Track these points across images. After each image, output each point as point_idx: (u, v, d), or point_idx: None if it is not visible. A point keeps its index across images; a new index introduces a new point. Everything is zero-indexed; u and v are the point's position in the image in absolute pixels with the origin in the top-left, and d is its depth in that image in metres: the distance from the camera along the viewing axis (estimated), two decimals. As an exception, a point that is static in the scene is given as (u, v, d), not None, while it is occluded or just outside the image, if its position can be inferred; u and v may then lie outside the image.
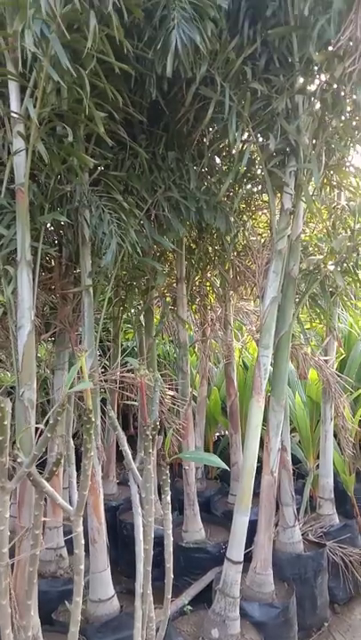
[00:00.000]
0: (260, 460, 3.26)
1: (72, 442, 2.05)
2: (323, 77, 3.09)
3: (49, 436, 1.69)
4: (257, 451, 3.07)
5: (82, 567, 1.91)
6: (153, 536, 2.20)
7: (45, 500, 1.89)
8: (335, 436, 4.42)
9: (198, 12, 2.55)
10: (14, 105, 2.60)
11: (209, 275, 4.84)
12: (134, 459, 4.88)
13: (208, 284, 4.88)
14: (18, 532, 2.60)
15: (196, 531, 4.15)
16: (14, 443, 2.42)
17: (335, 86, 3.08)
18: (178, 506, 4.58)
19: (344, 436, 4.06)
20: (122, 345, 5.63)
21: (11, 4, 2.25)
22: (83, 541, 1.93)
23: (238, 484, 3.27)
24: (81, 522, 1.91)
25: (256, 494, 3.19)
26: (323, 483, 4.37)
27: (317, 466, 4.58)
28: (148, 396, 2.55)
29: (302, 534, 3.94)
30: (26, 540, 2.40)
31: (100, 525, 3.14)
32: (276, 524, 3.79)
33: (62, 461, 3.29)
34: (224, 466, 1.95)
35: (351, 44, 2.40)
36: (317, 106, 3.10)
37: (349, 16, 2.44)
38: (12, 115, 2.54)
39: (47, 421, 1.77)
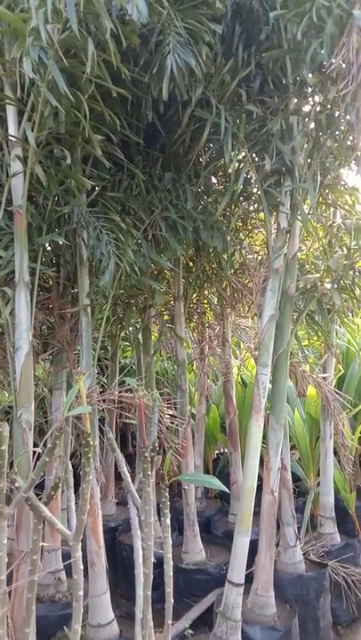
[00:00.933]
0: (259, 479, 3.23)
1: (70, 465, 2.02)
2: (317, 98, 3.14)
3: (47, 460, 1.68)
4: (257, 470, 3.05)
5: (81, 593, 1.88)
6: (153, 560, 2.18)
7: (44, 523, 1.87)
8: (335, 453, 4.39)
9: (193, 36, 2.60)
10: (12, 128, 2.63)
11: (206, 292, 4.85)
12: (133, 479, 4.85)
13: (206, 301, 4.88)
14: (16, 556, 2.57)
15: (197, 552, 4.10)
16: (12, 466, 2.41)
17: (329, 107, 3.13)
18: (177, 526, 4.53)
19: (344, 453, 4.03)
20: (120, 362, 5.62)
21: (10, 32, 2.29)
22: (81, 567, 1.91)
23: (238, 503, 3.24)
24: (80, 547, 1.89)
25: (256, 513, 3.15)
26: (323, 501, 4.33)
27: (318, 483, 4.54)
28: (147, 415, 2.54)
29: (304, 554, 3.90)
30: (24, 565, 2.37)
31: (99, 548, 3.09)
32: (277, 544, 3.75)
33: (60, 484, 3.26)
34: (224, 488, 1.93)
35: (344, 66, 2.44)
36: (312, 126, 3.15)
37: (341, 39, 2.49)
38: (10, 138, 2.57)
39: (45, 444, 1.76)
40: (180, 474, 4.09)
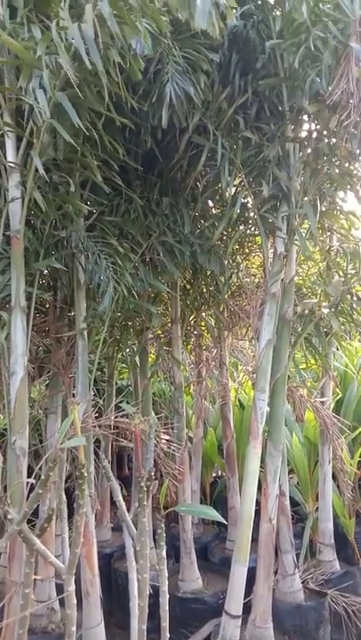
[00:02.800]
0: (257, 505, 3.18)
1: (64, 495, 1.99)
2: (313, 125, 3.18)
3: (40, 492, 1.64)
4: (255, 497, 3.00)
5: (73, 629, 1.83)
6: (148, 592, 2.12)
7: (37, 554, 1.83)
8: (334, 478, 4.34)
9: (191, 65, 2.63)
10: (10, 153, 2.64)
11: (204, 314, 4.84)
12: (129, 504, 4.77)
13: (203, 323, 4.87)
14: (7, 585, 2.51)
15: (193, 580, 4.01)
16: (5, 489, 2.36)
17: (325, 133, 3.17)
18: (174, 552, 4.44)
19: (343, 478, 3.98)
20: (117, 384, 5.57)
21: (15, 62, 2.30)
22: (75, 601, 1.86)
23: (236, 530, 3.19)
24: (73, 580, 1.84)
25: (254, 539, 3.09)
26: (322, 527, 4.26)
27: (316, 508, 4.47)
28: (144, 441, 2.51)
29: (302, 582, 3.82)
30: (16, 597, 2.30)
31: (94, 577, 3.02)
32: (275, 572, 3.67)
33: (55, 514, 3.20)
34: (221, 519, 1.89)
35: (344, 96, 2.47)
36: (308, 150, 3.18)
37: (340, 70, 2.52)
38: (9, 164, 2.58)
39: (39, 473, 1.73)
40: (176, 500, 4.03)
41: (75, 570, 1.81)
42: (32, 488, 1.94)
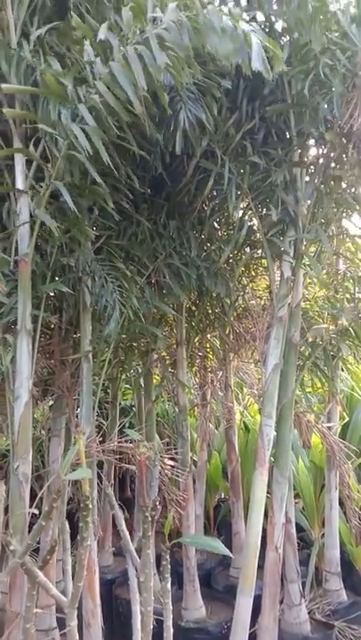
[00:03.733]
0: (263, 531, 3.11)
1: (67, 525, 1.95)
2: (320, 151, 3.19)
3: (43, 524, 1.61)
4: (261, 526, 2.94)
5: (75, 667, 1.77)
6: (152, 627, 2.06)
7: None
8: (340, 504, 4.26)
9: (202, 91, 2.66)
10: (19, 177, 2.65)
11: (209, 336, 4.82)
12: (131, 528, 4.68)
13: (208, 345, 4.84)
14: (8, 615, 2.45)
15: (197, 608, 3.92)
16: (6, 511, 2.32)
17: (332, 156, 3.18)
18: (177, 579, 4.35)
19: (350, 505, 3.91)
20: (120, 404, 5.53)
21: (44, 93, 2.33)
22: (76, 636, 1.80)
23: (241, 559, 3.12)
24: (75, 614, 1.79)
25: (260, 566, 3.02)
26: (329, 555, 4.17)
27: (322, 535, 4.39)
28: (148, 467, 2.47)
29: (309, 613, 3.72)
30: (16, 631, 2.25)
31: (95, 607, 2.96)
32: (281, 602, 3.58)
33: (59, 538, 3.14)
34: (228, 552, 1.84)
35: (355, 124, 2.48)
36: (316, 175, 3.18)
37: (348, 97, 2.53)
38: (18, 188, 2.59)
39: (41, 503, 1.69)
40: (180, 525, 3.95)
41: (77, 604, 1.76)
42: (34, 514, 1.91)
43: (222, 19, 1.94)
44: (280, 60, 2.08)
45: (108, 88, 2.16)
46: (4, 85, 2.34)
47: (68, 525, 1.88)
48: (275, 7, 2.77)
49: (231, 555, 2.07)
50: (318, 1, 2.36)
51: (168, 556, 2.01)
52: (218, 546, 1.87)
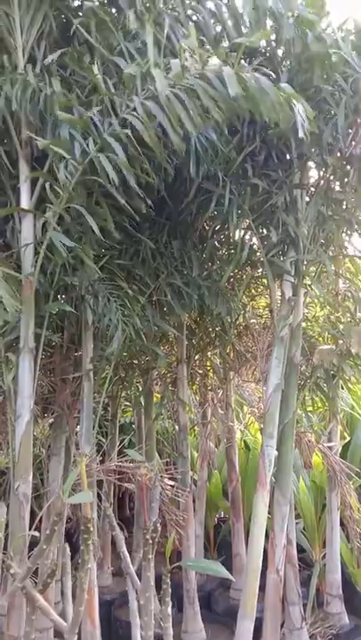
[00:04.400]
0: (263, 552, 3.07)
1: (68, 549, 1.93)
2: (321, 173, 3.23)
3: (44, 547, 1.60)
4: (262, 548, 2.91)
5: None
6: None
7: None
8: (342, 525, 4.22)
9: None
10: (25, 198, 2.69)
11: (209, 354, 4.82)
12: (129, 546, 4.63)
13: (208, 363, 4.85)
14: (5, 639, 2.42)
15: (197, 632, 3.86)
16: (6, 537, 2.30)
17: (332, 178, 3.22)
18: (176, 601, 4.29)
19: (351, 526, 3.87)
20: (120, 421, 5.51)
21: (84, 128, 2.39)
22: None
23: (241, 580, 3.08)
24: (75, 639, 1.77)
25: (260, 588, 2.98)
26: (330, 578, 4.12)
27: (323, 556, 4.34)
28: (148, 487, 2.46)
29: (310, 636, 3.67)
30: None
31: (95, 629, 2.92)
32: (282, 625, 3.53)
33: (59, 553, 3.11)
34: (229, 576, 1.83)
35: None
36: (316, 197, 3.22)
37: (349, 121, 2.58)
38: (23, 208, 2.62)
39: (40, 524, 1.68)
40: (180, 546, 3.91)
41: (77, 629, 1.74)
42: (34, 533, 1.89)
43: (275, 91, 2.14)
44: (315, 124, 2.37)
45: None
46: (39, 140, 2.41)
47: (68, 548, 1.86)
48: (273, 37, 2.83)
49: (233, 579, 2.05)
50: (319, 44, 2.43)
51: (169, 580, 2.00)
52: (220, 569, 1.86)
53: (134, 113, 2.32)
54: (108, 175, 2.35)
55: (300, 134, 2.26)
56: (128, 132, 2.33)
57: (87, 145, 2.39)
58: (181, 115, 2.23)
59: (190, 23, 2.88)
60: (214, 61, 2.28)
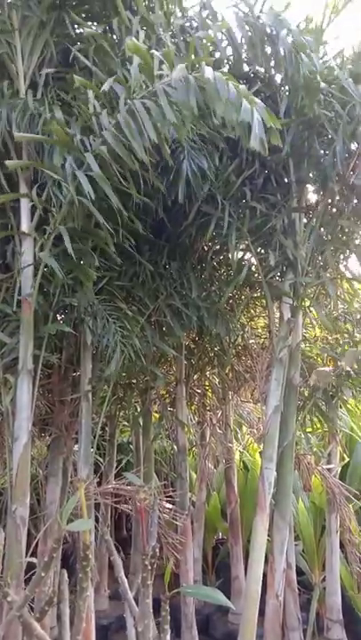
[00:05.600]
0: (263, 575, 3.02)
1: (66, 575, 1.90)
2: (318, 197, 3.27)
3: (43, 575, 1.58)
4: (261, 573, 2.88)
5: None
6: None
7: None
8: (341, 547, 4.17)
9: (204, 140, 2.75)
10: (24, 221, 2.71)
11: (208, 373, 4.81)
12: (127, 570, 4.56)
13: (207, 383, 4.83)
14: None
15: (194, 658, 3.80)
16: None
17: (330, 202, 3.26)
18: (174, 625, 4.21)
19: (351, 550, 3.83)
20: (118, 441, 5.46)
21: (67, 147, 2.40)
22: None
23: (240, 602, 3.03)
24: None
25: (260, 612, 2.93)
26: (330, 602, 4.05)
27: (323, 579, 4.27)
28: (146, 511, 2.43)
29: (310, 664, 3.61)
30: None
31: (91, 657, 2.86)
32: (282, 651, 3.47)
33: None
34: (230, 604, 1.81)
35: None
36: (314, 220, 3.25)
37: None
38: (23, 231, 2.64)
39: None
40: (177, 568, 3.86)
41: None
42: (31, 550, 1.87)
43: (229, 88, 2.03)
44: (277, 136, 2.20)
45: (118, 138, 2.24)
46: (16, 134, 2.42)
47: (66, 575, 1.84)
48: (273, 63, 2.88)
49: (233, 607, 2.03)
50: (311, 72, 2.47)
51: (168, 607, 1.97)
52: (219, 597, 1.83)
53: (112, 129, 2.32)
54: (90, 194, 2.34)
55: (252, 142, 2.07)
56: (103, 148, 2.31)
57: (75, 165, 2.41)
58: (146, 125, 2.18)
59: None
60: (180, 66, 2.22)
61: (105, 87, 2.37)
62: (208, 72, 2.01)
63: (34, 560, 1.73)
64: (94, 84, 2.72)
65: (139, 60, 2.29)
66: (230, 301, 3.89)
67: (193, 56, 2.30)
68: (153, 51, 2.24)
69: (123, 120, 2.20)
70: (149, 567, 1.99)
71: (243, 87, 2.13)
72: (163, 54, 2.20)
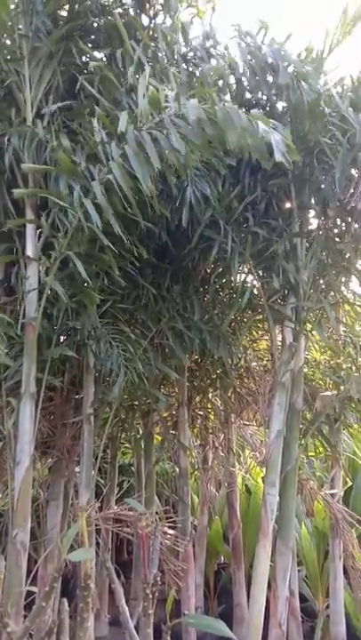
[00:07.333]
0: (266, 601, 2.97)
1: (66, 604, 1.87)
2: (320, 222, 3.30)
3: (43, 605, 1.56)
4: (264, 602, 2.83)
5: None
6: None
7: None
8: (345, 572, 4.10)
9: (207, 168, 2.79)
10: (30, 245, 2.74)
11: (210, 395, 4.80)
12: (127, 596, 4.48)
13: (210, 405, 4.82)
14: None
15: None
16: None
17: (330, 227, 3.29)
18: (175, 653, 4.13)
19: (354, 575, 3.77)
20: (119, 462, 5.43)
21: (73, 175, 2.45)
22: None
23: (242, 629, 2.98)
24: None
25: (263, 637, 2.88)
26: (334, 631, 3.97)
27: (327, 606, 4.19)
28: (148, 537, 2.41)
29: None
30: None
31: None
32: None
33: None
34: (233, 637, 1.77)
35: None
36: (316, 245, 3.28)
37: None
38: (29, 256, 2.67)
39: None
40: (179, 594, 3.79)
41: None
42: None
43: (241, 116, 2.09)
44: (295, 152, 2.29)
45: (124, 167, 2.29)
46: (24, 165, 2.47)
47: (66, 604, 1.82)
48: (274, 91, 2.94)
49: (235, 638, 1.99)
50: (315, 99, 2.53)
51: (169, 638, 1.94)
52: (222, 628, 1.80)
53: (119, 159, 2.38)
54: (97, 222, 2.39)
55: (278, 157, 2.16)
56: (110, 177, 2.37)
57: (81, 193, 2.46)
58: (151, 154, 2.25)
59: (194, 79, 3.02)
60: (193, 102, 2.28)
61: (121, 127, 2.40)
62: (220, 105, 2.08)
63: (34, 589, 1.71)
64: (99, 111, 2.79)
65: (143, 90, 2.35)
66: (232, 324, 3.90)
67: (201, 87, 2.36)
68: (163, 87, 2.32)
69: (131, 151, 2.26)
70: (150, 596, 1.97)
71: (254, 111, 2.20)
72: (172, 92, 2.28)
